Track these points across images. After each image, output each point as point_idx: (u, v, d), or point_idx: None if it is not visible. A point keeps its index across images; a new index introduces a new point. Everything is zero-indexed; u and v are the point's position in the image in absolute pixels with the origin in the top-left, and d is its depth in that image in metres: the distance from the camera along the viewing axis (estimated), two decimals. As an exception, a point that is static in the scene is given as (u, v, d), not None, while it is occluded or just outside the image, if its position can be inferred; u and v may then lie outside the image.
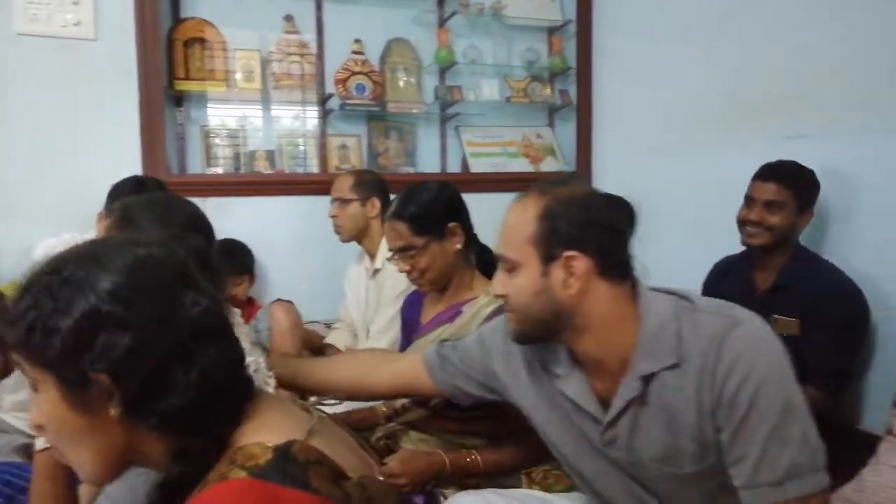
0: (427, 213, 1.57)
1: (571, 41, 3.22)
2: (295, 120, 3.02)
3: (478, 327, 1.45)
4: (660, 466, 1.05)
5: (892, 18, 1.89)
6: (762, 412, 0.95)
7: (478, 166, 3.11)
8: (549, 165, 3.21)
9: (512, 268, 1.06)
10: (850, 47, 2.02)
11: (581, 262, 1.01)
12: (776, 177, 1.97)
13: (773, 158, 2.04)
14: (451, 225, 1.56)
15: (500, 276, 1.10)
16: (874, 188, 1.97)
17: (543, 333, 1.10)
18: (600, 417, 1.08)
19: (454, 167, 3.18)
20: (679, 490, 1.07)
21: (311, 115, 2.99)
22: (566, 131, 3.29)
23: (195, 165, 2.86)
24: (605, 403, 1.07)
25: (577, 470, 1.18)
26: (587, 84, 3.20)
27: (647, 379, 1.02)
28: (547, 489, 1.49)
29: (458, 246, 1.56)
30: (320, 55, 2.92)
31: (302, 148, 2.99)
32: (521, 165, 3.18)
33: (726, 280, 2.20)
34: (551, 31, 3.25)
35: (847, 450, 1.82)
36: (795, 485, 0.94)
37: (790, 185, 1.95)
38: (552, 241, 1.02)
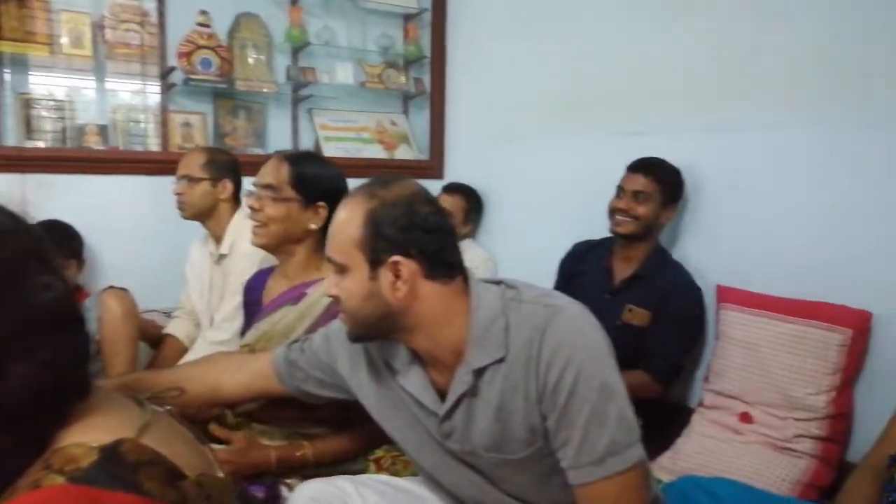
0: (314, 178, 1.54)
1: (426, 30, 3.25)
2: (133, 94, 2.79)
3: (323, 311, 1.44)
4: (493, 455, 1.09)
5: (732, 21, 2.08)
6: (582, 396, 1.00)
7: (331, 151, 3.05)
8: (403, 153, 3.23)
9: (341, 270, 1.06)
10: (691, 48, 2.19)
11: (407, 266, 1.03)
12: (646, 169, 2.11)
13: (618, 152, 2.20)
14: (320, 204, 1.53)
15: (331, 277, 1.10)
16: (715, 185, 2.15)
17: (376, 333, 1.11)
18: (437, 410, 1.10)
19: (307, 150, 3.11)
20: (514, 475, 1.12)
21: (152, 90, 2.78)
22: (420, 119, 3.33)
23: (12, 137, 2.56)
24: (444, 396, 1.10)
25: (419, 462, 1.22)
26: (441, 73, 3.25)
27: (479, 372, 1.06)
28: (395, 475, 1.51)
29: (314, 226, 1.54)
30: (162, 25, 2.72)
31: (141, 124, 2.78)
32: (376, 152, 3.17)
33: (584, 263, 2.30)
34: (407, 18, 3.26)
35: (665, 422, 2.02)
36: (616, 460, 1.00)
37: (658, 178, 2.09)
38: (378, 245, 1.02)
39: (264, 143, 3.03)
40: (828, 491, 1.68)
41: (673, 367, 2.05)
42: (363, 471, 1.48)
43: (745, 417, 1.87)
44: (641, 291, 2.08)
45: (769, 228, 1.98)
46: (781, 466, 1.74)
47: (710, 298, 2.09)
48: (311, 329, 1.45)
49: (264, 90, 2.98)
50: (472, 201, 2.92)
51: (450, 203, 2.87)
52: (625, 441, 1.01)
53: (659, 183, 2.09)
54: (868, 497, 1.41)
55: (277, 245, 1.56)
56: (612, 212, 2.15)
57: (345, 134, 3.13)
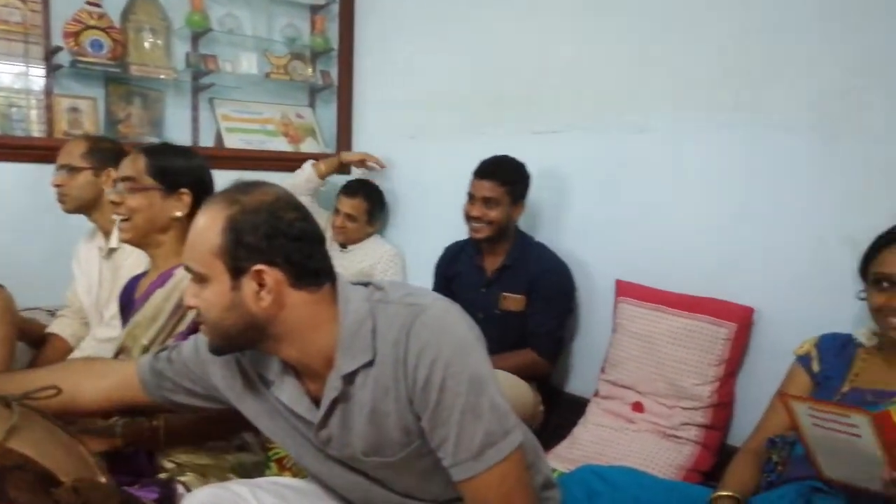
0: (172, 166, 1.52)
1: (334, 22, 3.20)
2: (15, 76, 2.59)
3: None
4: (373, 458, 1.08)
5: (638, 24, 2.15)
6: (453, 392, 0.99)
7: (233, 142, 2.96)
8: (309, 146, 3.16)
9: (200, 280, 1.01)
10: (599, 49, 2.25)
11: (272, 275, 0.99)
12: (492, 175, 2.19)
13: (526, 150, 2.25)
14: (183, 191, 1.51)
15: (190, 286, 1.04)
16: (617, 183, 2.22)
17: (240, 344, 1.07)
18: (313, 419, 1.08)
19: (207, 141, 2.99)
20: (397, 476, 1.12)
21: (36, 72, 2.59)
22: (327, 112, 3.28)
23: None
24: (319, 404, 1.08)
25: (305, 468, 1.20)
26: (349, 66, 3.21)
27: (349, 377, 1.04)
28: (297, 475, 1.48)
29: (179, 213, 1.51)
30: (46, 2, 2.54)
31: (23, 109, 2.59)
32: (280, 144, 3.09)
33: (458, 263, 2.41)
34: (314, 9, 3.19)
35: (561, 412, 2.09)
36: (493, 451, 1.01)
37: (504, 181, 2.19)
38: (239, 254, 0.98)
39: (161, 133, 2.89)
40: (708, 474, 1.78)
41: (554, 342, 2.22)
42: (260, 465, 1.45)
43: (637, 407, 1.96)
44: (512, 279, 2.22)
45: (665, 226, 2.08)
46: (669, 452, 1.83)
47: (608, 293, 2.17)
48: (179, 306, 1.40)
49: (161, 77, 2.85)
50: (373, 200, 2.89)
51: (351, 206, 2.84)
52: (500, 430, 1.01)
53: (504, 185, 2.19)
54: (749, 478, 1.50)
55: (143, 237, 1.53)
56: (468, 218, 2.25)
57: (248, 125, 3.03)
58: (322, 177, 2.87)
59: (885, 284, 1.41)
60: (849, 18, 1.68)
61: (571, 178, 2.33)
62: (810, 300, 1.76)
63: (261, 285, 0.99)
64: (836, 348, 1.55)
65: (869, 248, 1.48)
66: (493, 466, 1.01)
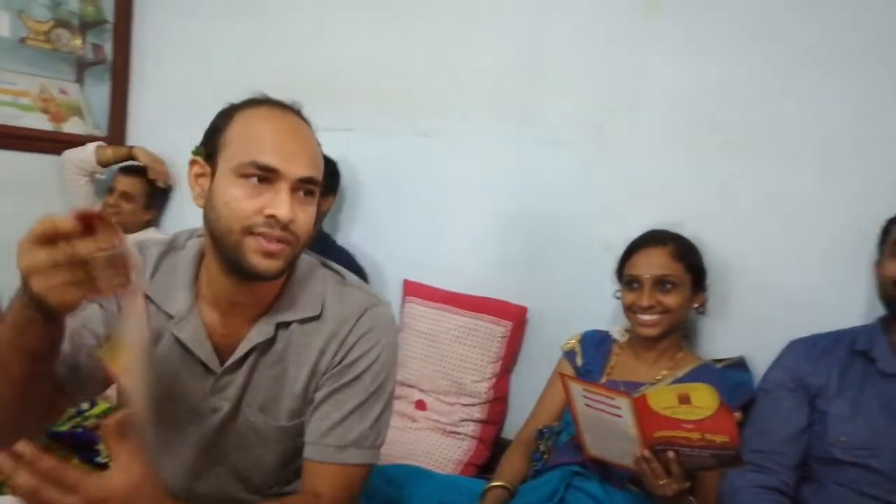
0: None
1: (109, -9, 2.89)
2: None
3: None
4: (258, 415, 1.06)
5: (428, 30, 2.18)
6: (363, 385, 1.04)
7: (-26, 114, 2.54)
8: (73, 126, 2.81)
9: (314, 193, 1.03)
10: (402, 49, 2.23)
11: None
12: None
13: (324, 146, 2.16)
14: None
15: (303, 203, 1.00)
16: (406, 184, 2.22)
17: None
18: (213, 366, 1.04)
19: (-60, 111, 2.53)
20: (259, 450, 1.08)
21: None
22: (99, 92, 2.93)
23: None
24: (218, 350, 1.05)
25: (158, 423, 1.08)
26: (126, 42, 2.90)
27: (281, 327, 1.04)
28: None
29: None
30: None
31: None
32: (38, 121, 2.70)
33: None
34: (84, -27, 2.85)
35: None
36: (356, 453, 1.04)
37: None
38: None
39: None
40: (484, 467, 1.86)
41: None
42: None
43: (420, 405, 2.00)
44: None
45: (449, 228, 2.14)
46: (448, 449, 1.89)
47: (397, 292, 2.18)
48: None
49: None
50: (154, 183, 2.64)
51: (128, 184, 2.57)
52: (372, 440, 1.06)
53: None
54: (519, 467, 1.60)
55: None
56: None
57: (-3, 96, 2.62)
58: (103, 163, 2.58)
59: (635, 285, 1.58)
60: (609, 45, 1.86)
61: (361, 177, 2.31)
62: (576, 299, 1.91)
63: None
64: (595, 343, 1.71)
65: (623, 253, 1.65)
66: (346, 465, 1.03)
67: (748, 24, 1.67)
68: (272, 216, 0.94)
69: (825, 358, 1.43)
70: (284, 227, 0.95)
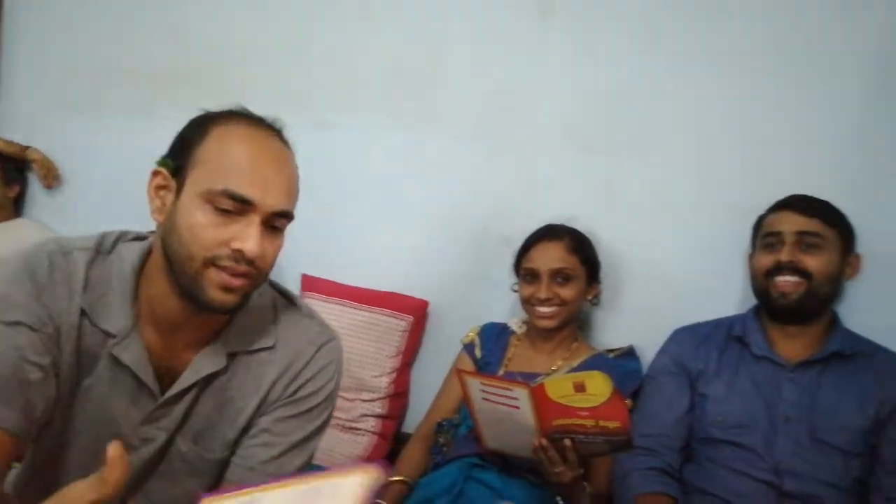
0: None
1: (-30, -38, 2.63)
2: None
3: None
4: (191, 446, 0.99)
5: (330, 19, 2.12)
6: (310, 419, 1.00)
7: None
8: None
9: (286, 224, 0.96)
10: (292, 37, 2.17)
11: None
12: None
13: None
14: None
15: (271, 238, 0.93)
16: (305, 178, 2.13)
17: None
18: (155, 391, 0.95)
19: None
20: (187, 481, 1.01)
21: None
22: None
23: None
24: (158, 376, 0.95)
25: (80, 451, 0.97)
26: (-7, 18, 2.66)
27: (234, 356, 0.98)
28: None
29: None
30: None
31: None
32: None
33: None
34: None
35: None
36: None
37: None
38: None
39: None
40: (383, 462, 1.84)
41: None
42: None
43: (319, 402, 1.95)
44: None
45: (348, 222, 2.10)
46: (347, 445, 1.86)
47: (295, 288, 2.12)
48: None
49: None
50: (7, 169, 2.45)
51: None
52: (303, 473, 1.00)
53: None
54: (419, 460, 1.61)
55: None
56: None
57: None
58: None
59: (533, 278, 1.61)
60: (504, 44, 1.89)
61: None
62: (476, 293, 1.93)
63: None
64: (494, 336, 1.73)
65: (521, 247, 1.68)
66: None
67: (634, 31, 1.75)
68: (239, 250, 0.87)
69: (705, 344, 1.52)
70: (251, 262, 0.89)
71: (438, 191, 1.99)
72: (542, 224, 1.70)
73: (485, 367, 1.67)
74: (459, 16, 1.94)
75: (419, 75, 2.00)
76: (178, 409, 0.97)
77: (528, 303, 1.63)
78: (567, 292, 1.59)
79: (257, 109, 1.01)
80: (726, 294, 1.67)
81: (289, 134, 1.06)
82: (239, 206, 0.87)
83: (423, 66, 2.00)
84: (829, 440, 1.35)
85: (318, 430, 1.03)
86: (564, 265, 1.60)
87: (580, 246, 1.64)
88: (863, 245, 1.49)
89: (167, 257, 0.90)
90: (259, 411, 1.00)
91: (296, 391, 1.00)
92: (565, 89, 1.83)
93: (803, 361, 1.42)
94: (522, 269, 1.65)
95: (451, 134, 1.97)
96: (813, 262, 1.41)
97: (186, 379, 0.95)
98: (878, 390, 1.36)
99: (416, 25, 2.00)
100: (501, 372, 1.65)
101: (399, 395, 1.95)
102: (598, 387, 1.20)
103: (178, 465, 1.01)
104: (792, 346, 1.46)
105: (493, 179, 1.92)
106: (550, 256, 1.61)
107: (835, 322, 1.48)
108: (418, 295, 1.99)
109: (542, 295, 1.58)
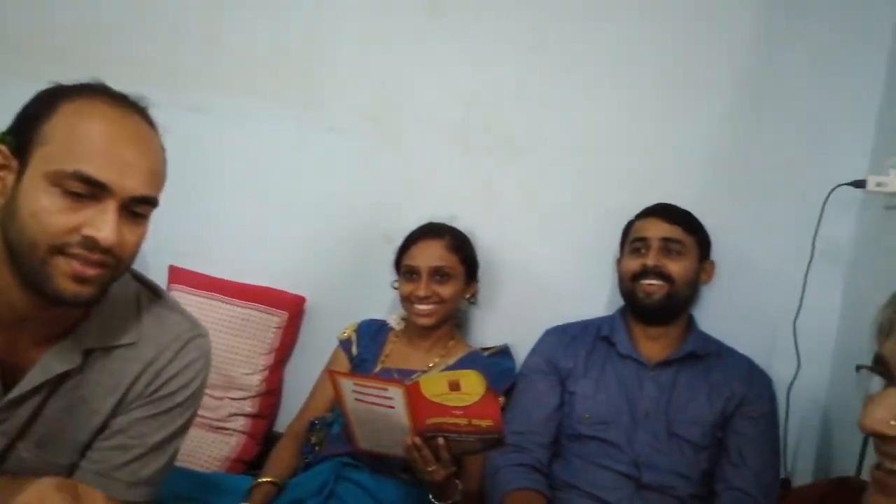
0: None
1: None
2: None
3: None
4: (34, 452, 0.91)
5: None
6: (172, 419, 0.95)
7: None
8: None
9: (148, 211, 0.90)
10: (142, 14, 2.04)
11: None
12: None
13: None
14: None
15: (134, 225, 0.87)
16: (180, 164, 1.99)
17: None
18: None
19: None
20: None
21: None
22: None
23: None
24: (2, 375, 0.87)
25: None
26: None
27: (90, 353, 0.91)
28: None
29: None
30: None
31: None
32: None
33: None
34: None
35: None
36: (145, 492, 0.94)
37: None
38: None
39: None
40: (253, 463, 1.78)
41: None
42: None
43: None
44: None
45: (219, 212, 1.99)
46: (214, 446, 1.77)
47: (161, 279, 1.99)
48: None
49: None
50: None
51: None
52: (158, 478, 0.96)
53: None
54: (290, 460, 1.56)
55: None
56: None
57: None
58: None
59: (413, 275, 1.61)
60: (390, 38, 1.86)
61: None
62: (355, 289, 1.90)
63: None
64: (372, 333, 1.72)
65: (401, 244, 1.68)
66: (130, 502, 0.93)
67: (520, 35, 1.79)
68: (91, 237, 0.79)
69: (574, 343, 1.59)
70: (107, 251, 0.80)
71: (318, 184, 1.93)
72: (423, 222, 1.70)
73: (361, 364, 1.65)
74: (346, 5, 1.89)
75: (301, 64, 1.94)
76: (23, 412, 0.88)
77: (407, 300, 1.62)
78: (446, 290, 1.60)
79: (122, 88, 0.92)
80: (597, 295, 1.75)
81: (157, 115, 0.97)
82: (92, 189, 0.79)
83: (306, 54, 1.93)
84: (682, 434, 1.44)
85: (180, 431, 0.98)
86: (444, 263, 1.60)
87: (460, 245, 1.66)
88: (716, 253, 1.61)
89: (7, 245, 0.81)
90: (115, 412, 0.93)
91: (157, 389, 0.95)
92: (450, 88, 1.84)
93: (662, 361, 1.52)
94: (403, 266, 1.64)
95: (332, 126, 1.92)
96: (675, 267, 1.51)
97: (32, 379, 0.87)
98: (725, 388, 1.48)
99: (297, 13, 1.93)
100: (378, 368, 1.63)
101: (271, 394, 1.89)
102: (473, 385, 1.21)
103: (20, 472, 0.92)
104: (653, 346, 1.55)
105: (374, 173, 1.90)
106: (431, 254, 1.61)
107: (691, 324, 1.59)
108: (295, 290, 1.92)
109: (422, 293, 1.58)
